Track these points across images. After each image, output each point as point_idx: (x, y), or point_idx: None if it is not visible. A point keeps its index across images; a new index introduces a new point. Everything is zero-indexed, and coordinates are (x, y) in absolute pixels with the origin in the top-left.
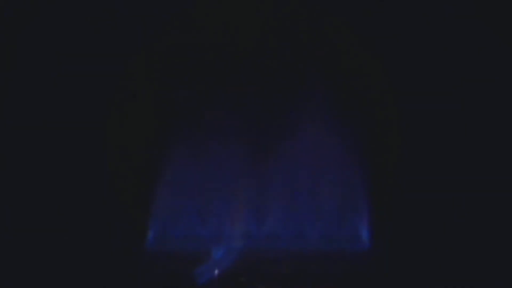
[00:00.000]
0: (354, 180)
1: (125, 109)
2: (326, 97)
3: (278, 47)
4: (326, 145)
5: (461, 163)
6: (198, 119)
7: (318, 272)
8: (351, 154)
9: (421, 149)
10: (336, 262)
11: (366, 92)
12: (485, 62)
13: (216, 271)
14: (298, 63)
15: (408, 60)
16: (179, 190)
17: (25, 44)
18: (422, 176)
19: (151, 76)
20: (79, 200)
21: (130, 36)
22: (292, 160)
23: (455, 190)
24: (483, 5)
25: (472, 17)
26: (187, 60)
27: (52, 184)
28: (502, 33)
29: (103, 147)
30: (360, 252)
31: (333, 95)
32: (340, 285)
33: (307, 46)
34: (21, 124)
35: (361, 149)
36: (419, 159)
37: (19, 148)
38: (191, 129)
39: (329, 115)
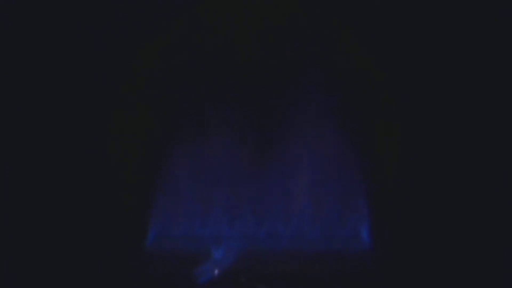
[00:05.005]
0: (354, 180)
1: (125, 109)
2: (326, 97)
3: (278, 47)
4: (326, 145)
5: (462, 163)
6: (199, 119)
7: (318, 272)
8: (351, 154)
9: (422, 148)
10: (336, 262)
11: (366, 92)
12: (486, 63)
13: (216, 271)
14: (298, 63)
15: (409, 60)
16: (179, 190)
17: (24, 44)
18: (422, 175)
19: (151, 76)
20: (78, 200)
21: (130, 35)
22: (292, 159)
23: (456, 190)
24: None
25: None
26: (187, 60)
27: (52, 184)
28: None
29: (103, 147)
30: (360, 252)
31: (333, 95)
32: (340, 285)
33: (307, 46)
34: (20, 124)
35: (361, 148)
36: (420, 158)
37: (17, 148)
38: (191, 129)
39: (329, 115)
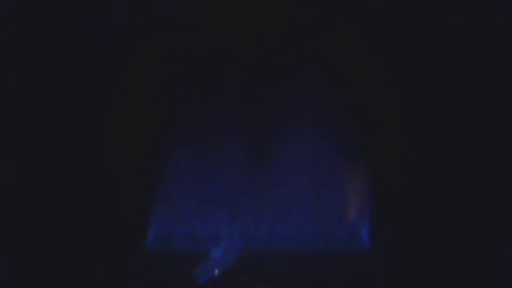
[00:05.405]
0: (354, 180)
1: (125, 109)
2: (326, 97)
3: (278, 47)
4: (326, 145)
5: (462, 163)
6: (199, 119)
7: (318, 272)
8: (351, 154)
9: (422, 148)
10: (336, 262)
11: (366, 92)
12: (486, 63)
13: (216, 271)
14: (298, 63)
15: (409, 60)
16: (179, 190)
17: (24, 44)
18: (422, 175)
19: (151, 76)
20: (78, 200)
21: (130, 35)
22: (291, 159)
23: (456, 190)
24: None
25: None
26: (187, 60)
27: (52, 184)
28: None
29: (103, 147)
30: (360, 252)
31: (333, 95)
32: (340, 285)
33: (307, 46)
34: (20, 124)
35: (361, 148)
36: (420, 158)
37: (17, 148)
38: (191, 129)
39: (329, 114)
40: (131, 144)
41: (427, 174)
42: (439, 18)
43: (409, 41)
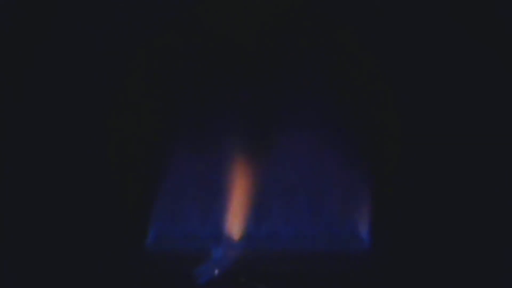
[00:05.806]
0: (355, 180)
1: (125, 109)
2: (326, 97)
3: (278, 47)
4: (326, 145)
5: (462, 163)
6: (199, 119)
7: (318, 272)
8: (351, 154)
9: (422, 148)
10: (336, 262)
11: (366, 92)
12: (486, 63)
13: (216, 271)
14: (298, 63)
15: (409, 60)
16: (179, 190)
17: (24, 44)
18: (422, 175)
19: (151, 76)
20: (78, 200)
21: (130, 35)
22: (292, 159)
23: (456, 190)
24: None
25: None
26: (187, 60)
27: (52, 184)
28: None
29: (103, 147)
30: (360, 252)
31: (333, 95)
32: (340, 285)
33: (307, 46)
34: (20, 124)
35: (361, 148)
36: (420, 158)
37: (17, 148)
38: (191, 129)
39: (329, 115)
40: (131, 144)
41: (427, 174)
42: (439, 18)
43: (409, 41)
